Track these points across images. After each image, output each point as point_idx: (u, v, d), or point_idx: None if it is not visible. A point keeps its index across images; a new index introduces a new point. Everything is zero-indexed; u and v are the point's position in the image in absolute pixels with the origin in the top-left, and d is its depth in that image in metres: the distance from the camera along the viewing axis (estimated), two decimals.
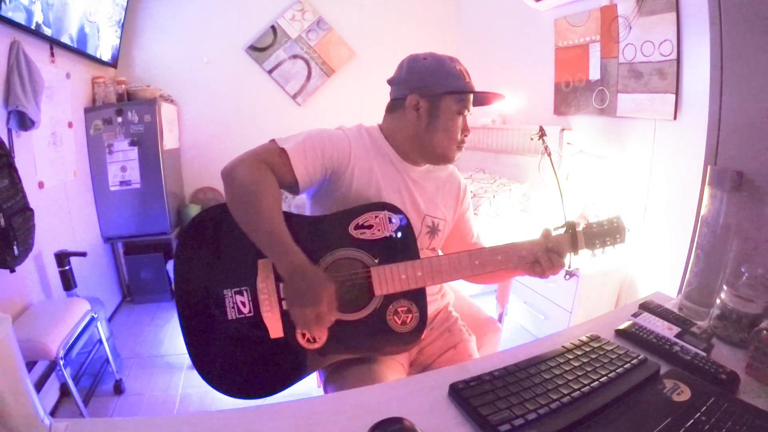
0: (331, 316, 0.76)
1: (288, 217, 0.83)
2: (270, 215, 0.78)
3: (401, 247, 0.87)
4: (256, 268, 0.82)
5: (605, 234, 0.95)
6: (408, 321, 0.86)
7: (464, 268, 0.87)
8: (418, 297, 0.87)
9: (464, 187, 1.10)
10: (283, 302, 0.82)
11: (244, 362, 0.83)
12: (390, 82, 1.00)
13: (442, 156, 0.97)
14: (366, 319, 0.85)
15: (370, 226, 0.87)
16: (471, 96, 0.96)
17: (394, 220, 0.88)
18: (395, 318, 0.86)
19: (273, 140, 0.89)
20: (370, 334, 0.86)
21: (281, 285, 0.82)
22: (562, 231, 0.93)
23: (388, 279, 0.84)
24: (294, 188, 0.89)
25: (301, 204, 1.08)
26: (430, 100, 0.93)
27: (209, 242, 0.85)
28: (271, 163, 0.85)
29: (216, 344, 0.83)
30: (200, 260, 0.85)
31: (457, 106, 0.93)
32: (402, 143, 0.98)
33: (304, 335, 0.83)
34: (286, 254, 0.76)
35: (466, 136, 0.97)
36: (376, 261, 0.85)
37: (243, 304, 0.82)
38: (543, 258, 0.88)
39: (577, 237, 0.92)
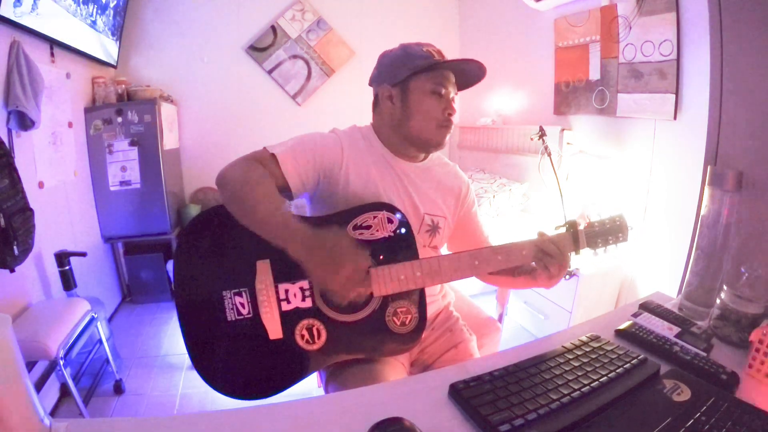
0: (363, 270, 0.73)
1: None
2: (267, 201, 0.77)
3: (400, 247, 0.87)
4: (255, 269, 0.82)
5: (607, 233, 0.93)
6: (407, 322, 0.86)
7: (464, 268, 0.86)
8: (417, 298, 0.87)
9: (467, 187, 1.08)
10: (282, 303, 0.82)
11: (244, 363, 0.83)
12: (369, 82, 1.01)
13: (426, 140, 0.95)
14: (365, 320, 0.85)
15: (368, 227, 0.87)
16: (449, 74, 0.93)
17: (392, 221, 0.87)
18: (394, 319, 0.86)
19: (264, 147, 0.89)
20: (369, 335, 0.86)
21: (279, 286, 0.82)
22: (563, 230, 0.92)
23: (387, 280, 0.83)
24: (287, 193, 0.89)
25: (301, 204, 1.07)
26: (401, 86, 0.93)
27: (208, 244, 0.85)
28: (263, 166, 0.85)
29: (216, 345, 0.83)
30: (199, 262, 0.84)
31: (430, 84, 0.91)
32: (390, 138, 0.98)
33: (303, 336, 0.83)
34: (293, 232, 0.73)
35: (450, 114, 0.93)
36: (375, 262, 0.85)
37: (242, 305, 0.82)
38: (546, 258, 0.86)
39: (578, 236, 0.92)
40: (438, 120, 0.93)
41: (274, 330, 0.82)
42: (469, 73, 0.97)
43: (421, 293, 0.88)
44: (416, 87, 0.92)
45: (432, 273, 0.85)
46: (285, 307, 0.82)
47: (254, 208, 0.77)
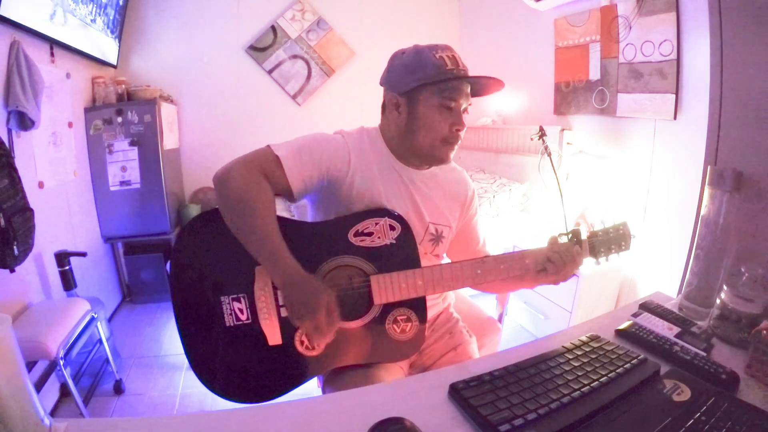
0: (331, 326, 0.75)
1: (286, 223, 0.82)
2: (264, 224, 0.77)
3: (402, 255, 0.86)
4: (253, 274, 0.81)
5: (610, 242, 0.92)
6: (407, 330, 0.86)
7: (466, 278, 0.86)
8: (417, 306, 0.86)
9: (472, 194, 1.05)
10: (282, 309, 0.82)
11: (243, 368, 0.83)
12: (380, 82, 0.96)
13: (429, 155, 0.91)
14: (365, 327, 0.85)
15: (370, 234, 0.85)
16: (460, 85, 0.87)
17: (394, 227, 0.86)
18: (394, 326, 0.85)
19: (268, 146, 0.86)
20: (369, 341, 0.85)
21: (278, 292, 0.81)
22: (566, 239, 0.91)
23: (387, 288, 0.83)
24: (289, 195, 0.87)
25: (302, 205, 1.07)
26: (408, 96, 0.88)
27: (205, 249, 0.84)
28: (265, 169, 0.82)
29: (215, 350, 0.82)
30: (197, 267, 0.84)
31: (438, 98, 0.85)
32: (396, 144, 0.94)
33: (302, 342, 0.82)
34: (280, 265, 0.75)
35: (458, 130, 0.88)
36: (376, 269, 0.84)
37: (241, 311, 0.82)
38: (549, 266, 0.87)
39: (582, 246, 0.90)
40: (444, 136, 0.88)
41: (274, 336, 0.81)
42: (485, 84, 0.91)
43: (422, 301, 0.87)
44: (424, 99, 0.86)
45: (434, 281, 0.84)
46: (284, 313, 0.82)
47: (249, 227, 0.77)
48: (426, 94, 0.87)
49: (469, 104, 0.90)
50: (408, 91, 0.88)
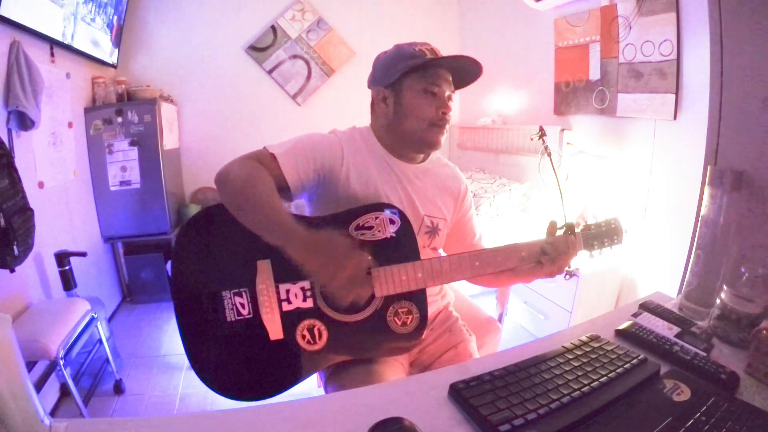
0: (363, 271, 0.73)
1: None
2: (268, 201, 0.77)
3: (402, 248, 0.87)
4: (255, 269, 0.82)
5: (603, 235, 0.95)
6: (408, 322, 0.86)
7: (465, 269, 0.87)
8: (418, 298, 0.87)
9: (465, 189, 1.08)
10: (283, 303, 0.82)
11: (243, 364, 0.83)
12: (367, 85, 1.01)
13: (419, 140, 0.94)
14: (366, 321, 0.85)
15: (370, 227, 0.86)
16: (443, 72, 0.92)
17: (394, 221, 0.87)
18: (396, 319, 0.86)
19: (264, 147, 0.89)
20: (370, 335, 0.86)
21: (280, 286, 0.82)
22: (560, 233, 0.93)
23: (388, 280, 0.83)
24: (286, 193, 0.89)
25: (301, 204, 1.07)
26: (393, 87, 0.94)
27: (207, 243, 0.84)
28: (263, 165, 0.85)
29: (215, 346, 0.82)
30: (198, 261, 0.84)
31: (421, 83, 0.91)
32: (387, 139, 0.98)
33: (303, 337, 0.83)
34: (294, 236, 0.73)
35: (444, 113, 0.93)
36: (377, 262, 0.85)
37: (242, 305, 0.82)
38: (544, 258, 0.89)
39: (576, 238, 0.92)
40: (430, 119, 0.92)
41: (275, 330, 0.82)
42: (464, 71, 0.96)
43: (422, 293, 0.88)
44: (408, 87, 0.92)
45: (433, 274, 0.85)
46: (286, 307, 0.82)
47: (254, 206, 0.77)
48: (410, 81, 0.92)
49: (453, 92, 0.96)
50: (393, 83, 0.93)
